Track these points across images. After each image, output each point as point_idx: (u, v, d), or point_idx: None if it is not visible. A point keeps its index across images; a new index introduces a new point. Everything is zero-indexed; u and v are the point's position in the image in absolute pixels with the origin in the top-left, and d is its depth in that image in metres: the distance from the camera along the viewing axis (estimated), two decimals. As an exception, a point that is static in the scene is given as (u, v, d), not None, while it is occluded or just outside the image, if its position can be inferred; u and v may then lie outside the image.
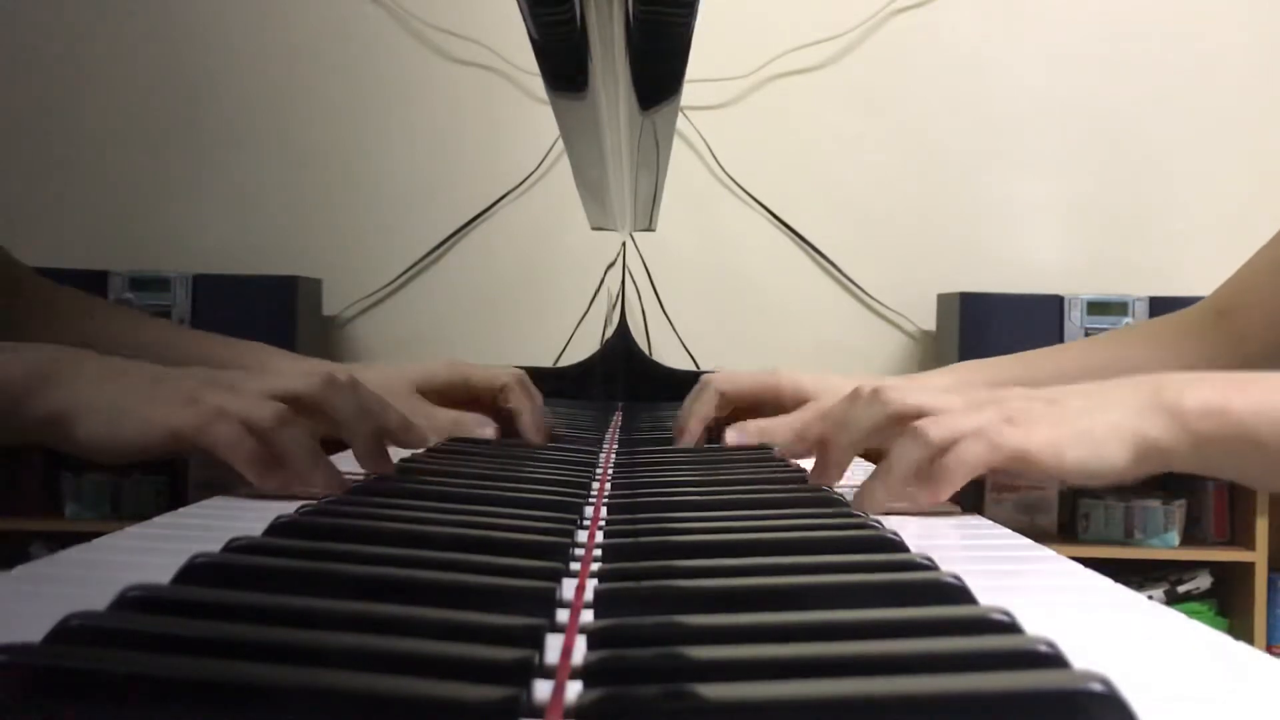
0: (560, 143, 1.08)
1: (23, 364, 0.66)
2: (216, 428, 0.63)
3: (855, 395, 0.72)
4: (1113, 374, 0.69)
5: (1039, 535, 1.68)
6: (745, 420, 0.87)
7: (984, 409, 0.65)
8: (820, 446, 0.73)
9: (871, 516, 0.57)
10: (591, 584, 0.40)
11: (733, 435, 0.85)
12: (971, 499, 2.47)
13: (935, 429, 0.64)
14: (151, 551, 0.48)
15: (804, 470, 0.75)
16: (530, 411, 0.94)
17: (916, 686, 0.29)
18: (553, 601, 0.38)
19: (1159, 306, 2.39)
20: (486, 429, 0.90)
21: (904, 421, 0.66)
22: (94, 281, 2.39)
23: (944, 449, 0.63)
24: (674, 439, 0.91)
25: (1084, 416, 0.64)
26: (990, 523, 0.65)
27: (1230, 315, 0.91)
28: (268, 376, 0.72)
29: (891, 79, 2.67)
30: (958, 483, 0.63)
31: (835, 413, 0.73)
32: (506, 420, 0.93)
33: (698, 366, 2.49)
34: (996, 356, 0.99)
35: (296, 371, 0.73)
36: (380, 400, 0.73)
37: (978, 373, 0.95)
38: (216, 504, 0.63)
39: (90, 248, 2.61)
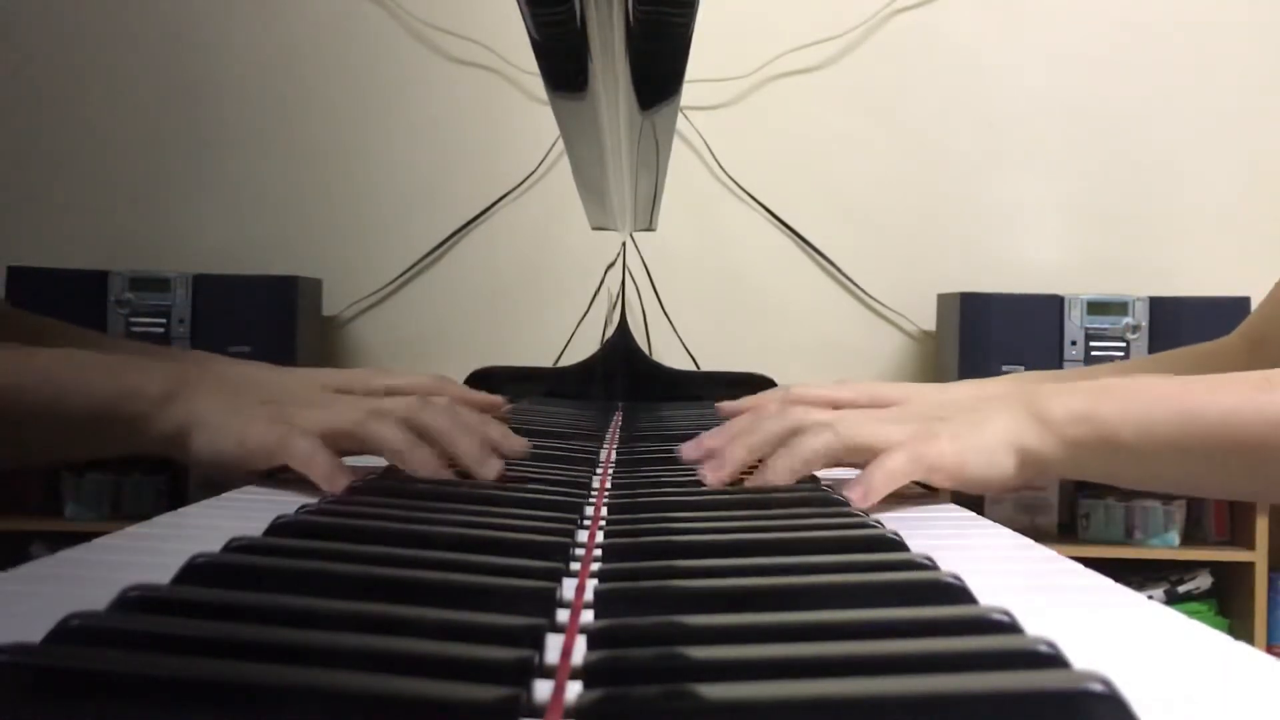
0: (560, 143, 1.08)
1: (156, 379, 0.69)
2: (294, 443, 0.66)
3: (773, 406, 0.75)
4: None
5: (1039, 535, 1.68)
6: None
7: (898, 423, 0.70)
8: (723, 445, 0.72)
9: (871, 516, 0.57)
10: (592, 584, 0.40)
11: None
12: (971, 498, 2.47)
13: (845, 425, 0.69)
14: (151, 551, 0.48)
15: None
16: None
17: (917, 686, 0.29)
18: (553, 601, 0.38)
19: (1159, 306, 2.39)
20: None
21: (856, 455, 0.69)
22: (94, 281, 2.39)
23: (851, 447, 0.68)
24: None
25: (975, 430, 0.68)
26: (974, 515, 0.65)
27: (1264, 345, 0.91)
28: (365, 400, 0.74)
29: (891, 79, 2.67)
30: (883, 492, 0.66)
31: (775, 435, 0.72)
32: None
33: (698, 366, 2.49)
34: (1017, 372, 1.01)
35: (395, 398, 0.75)
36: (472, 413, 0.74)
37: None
38: (216, 504, 0.63)
39: (90, 248, 2.61)
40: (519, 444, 0.73)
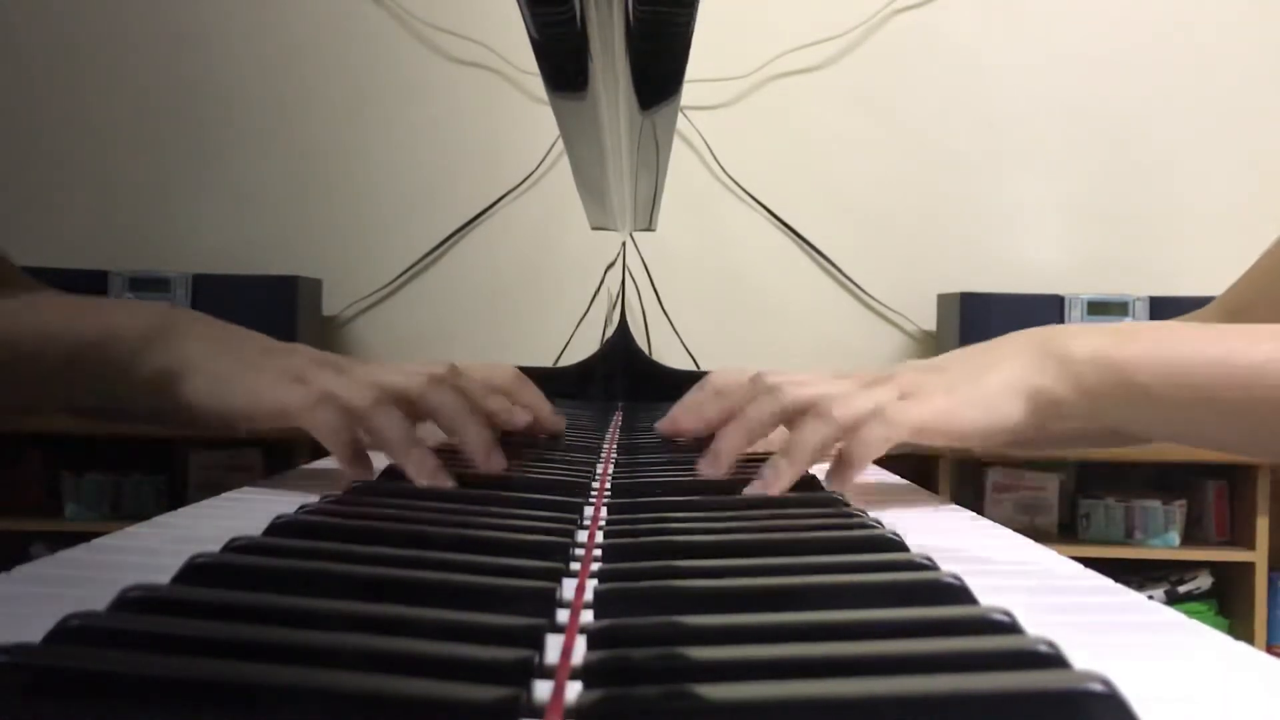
0: (560, 143, 1.08)
1: (138, 320, 0.66)
2: (320, 412, 0.64)
3: (753, 387, 0.72)
4: None
5: (1039, 535, 1.68)
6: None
7: (876, 387, 0.67)
8: (716, 436, 0.71)
9: (871, 516, 0.57)
10: (591, 584, 0.40)
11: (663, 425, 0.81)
12: (971, 498, 2.47)
13: (839, 408, 0.66)
14: (151, 551, 0.48)
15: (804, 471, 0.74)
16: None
17: (917, 686, 0.29)
18: (553, 601, 0.38)
19: (1159, 306, 2.39)
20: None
21: (799, 413, 0.67)
22: (94, 281, 2.39)
23: (847, 430, 0.65)
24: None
25: (974, 379, 0.65)
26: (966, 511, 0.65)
27: (1241, 316, 0.90)
28: (374, 367, 0.71)
29: (891, 79, 2.67)
30: (863, 466, 0.64)
31: (732, 403, 0.71)
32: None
33: (698, 366, 2.49)
34: None
35: (405, 369, 0.72)
36: (485, 393, 0.72)
37: None
38: (216, 504, 0.63)
39: (90, 248, 2.61)
40: (520, 417, 0.72)
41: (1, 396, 0.67)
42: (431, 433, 0.73)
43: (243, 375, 0.65)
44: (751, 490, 0.65)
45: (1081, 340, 0.65)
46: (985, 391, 0.65)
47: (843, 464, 0.65)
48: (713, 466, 0.68)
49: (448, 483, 0.64)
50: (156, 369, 0.65)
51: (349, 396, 0.65)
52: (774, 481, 0.65)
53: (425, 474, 0.64)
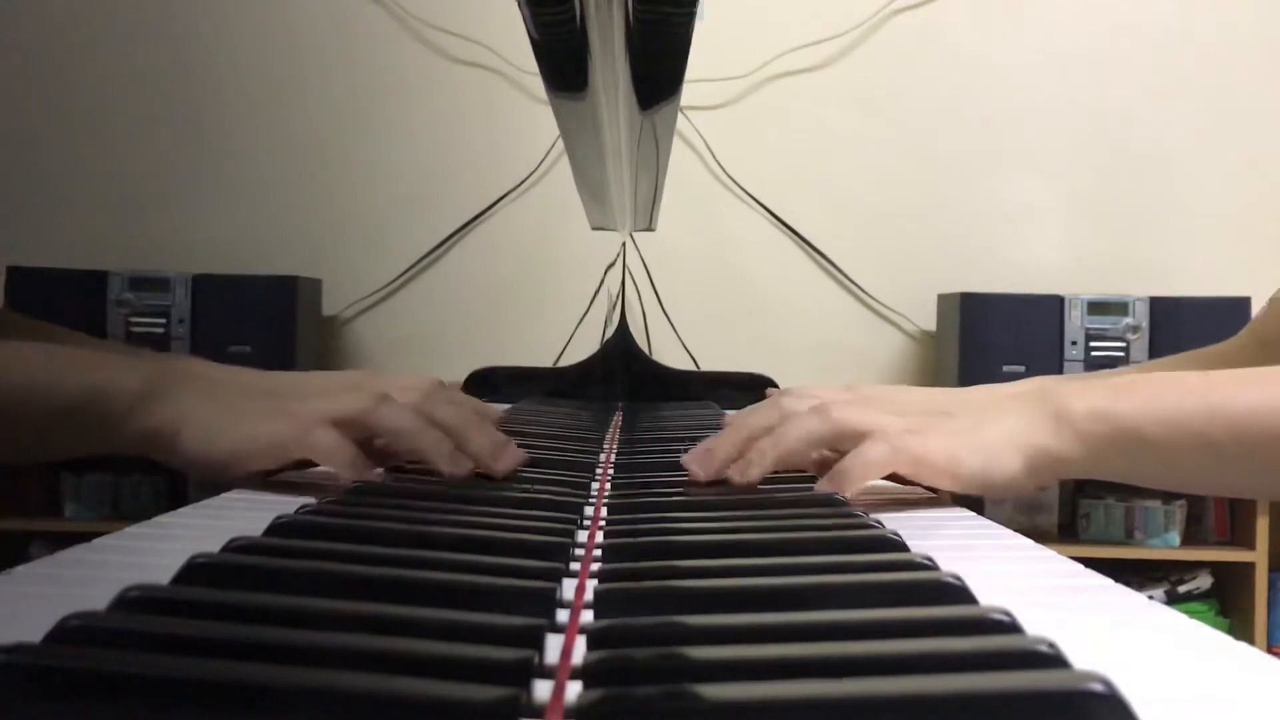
0: (560, 143, 1.08)
1: (132, 377, 0.66)
2: (315, 436, 0.64)
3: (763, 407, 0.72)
4: None
5: (1039, 535, 1.68)
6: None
7: (888, 416, 0.67)
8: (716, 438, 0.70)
9: (871, 516, 0.57)
10: (591, 584, 0.40)
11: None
12: (971, 498, 2.47)
13: (839, 410, 0.66)
14: (151, 551, 0.48)
15: (804, 470, 0.74)
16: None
17: (917, 686, 0.29)
18: (553, 601, 0.38)
19: (1159, 306, 2.39)
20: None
21: (845, 441, 0.67)
22: (94, 281, 2.39)
23: (845, 435, 0.66)
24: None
25: (978, 428, 0.66)
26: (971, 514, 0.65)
27: (1275, 345, 0.89)
28: (367, 390, 0.72)
29: (891, 79, 2.67)
30: (859, 482, 0.64)
31: (763, 426, 0.70)
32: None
33: (698, 366, 2.49)
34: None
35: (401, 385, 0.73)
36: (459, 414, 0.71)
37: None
38: (216, 504, 0.62)
39: (90, 248, 2.61)
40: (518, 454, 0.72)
41: None
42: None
43: (241, 424, 0.66)
44: (734, 470, 0.66)
45: (1079, 398, 0.65)
46: (986, 442, 0.65)
47: (836, 475, 0.64)
48: (700, 464, 0.68)
49: (468, 465, 0.66)
50: (152, 425, 0.66)
51: (342, 409, 0.66)
52: (752, 458, 0.66)
53: (445, 458, 0.65)
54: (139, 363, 0.69)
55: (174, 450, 0.66)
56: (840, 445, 0.67)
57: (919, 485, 0.70)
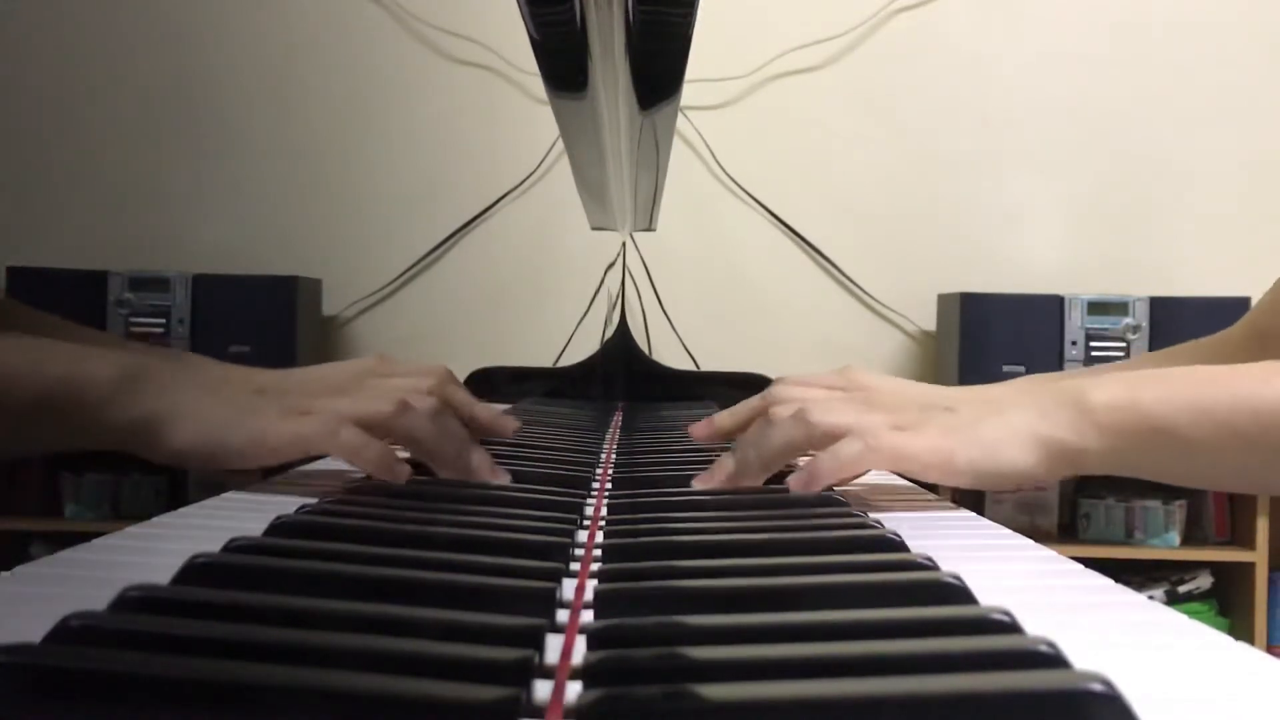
0: (560, 143, 1.08)
1: (107, 367, 0.64)
2: (342, 435, 0.63)
3: (775, 414, 0.70)
4: None
5: (1039, 535, 1.68)
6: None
7: (874, 412, 0.66)
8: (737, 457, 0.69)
9: (871, 516, 0.57)
10: (591, 584, 0.40)
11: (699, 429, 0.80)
12: (971, 498, 2.47)
13: (818, 413, 0.65)
14: (151, 551, 0.48)
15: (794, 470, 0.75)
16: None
17: (917, 686, 0.29)
18: (553, 601, 0.38)
19: (1159, 306, 2.39)
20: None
21: (825, 443, 0.65)
22: (94, 281, 2.39)
23: (824, 436, 0.64)
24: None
25: (980, 422, 0.64)
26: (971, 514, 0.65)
27: (1273, 337, 0.88)
28: (386, 390, 0.70)
29: (891, 79, 2.67)
30: (828, 479, 0.63)
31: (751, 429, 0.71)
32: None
33: (698, 366, 2.49)
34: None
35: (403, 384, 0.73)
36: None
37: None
38: (216, 504, 0.62)
39: (90, 248, 2.61)
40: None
41: None
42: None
43: (240, 418, 0.65)
44: (718, 474, 0.66)
45: (1100, 388, 0.63)
46: (985, 436, 0.63)
47: (807, 473, 0.63)
48: (704, 484, 0.68)
49: (502, 475, 0.66)
50: (132, 418, 0.64)
51: (363, 410, 0.65)
52: (742, 476, 0.66)
53: (459, 473, 0.66)
54: (118, 354, 0.67)
55: (159, 443, 0.65)
56: (822, 447, 0.65)
57: (914, 481, 0.69)
